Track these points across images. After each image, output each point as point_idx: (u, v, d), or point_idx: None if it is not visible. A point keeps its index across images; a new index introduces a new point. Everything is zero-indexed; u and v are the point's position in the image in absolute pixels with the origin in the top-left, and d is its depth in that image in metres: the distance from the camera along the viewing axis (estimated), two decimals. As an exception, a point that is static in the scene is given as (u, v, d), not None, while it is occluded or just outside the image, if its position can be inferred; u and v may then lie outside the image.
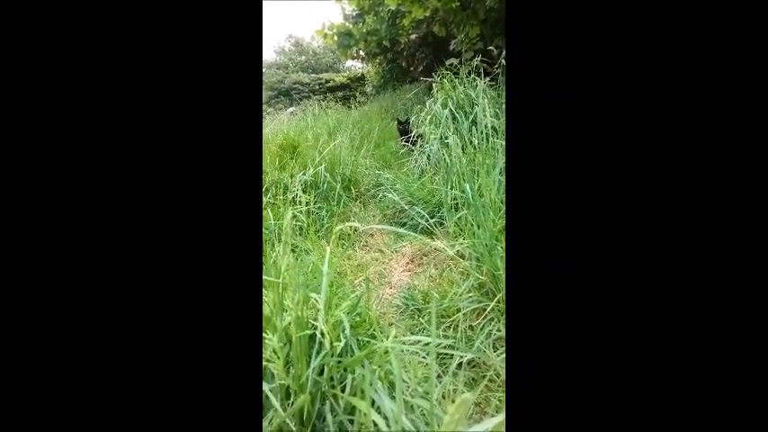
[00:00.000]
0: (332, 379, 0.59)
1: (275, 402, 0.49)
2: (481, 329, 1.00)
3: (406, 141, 2.88)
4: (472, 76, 2.44)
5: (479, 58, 2.55)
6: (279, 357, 0.50)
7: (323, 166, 2.10)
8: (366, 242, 1.81)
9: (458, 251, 1.35)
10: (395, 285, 1.41)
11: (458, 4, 3.89)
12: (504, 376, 0.82)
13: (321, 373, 0.58)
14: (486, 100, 1.97)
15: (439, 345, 0.91)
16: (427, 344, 0.89)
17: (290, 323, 0.55)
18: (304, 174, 2.03)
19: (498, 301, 1.04)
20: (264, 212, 1.65)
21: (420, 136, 2.60)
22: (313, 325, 0.57)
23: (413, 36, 5.81)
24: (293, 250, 1.56)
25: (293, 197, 1.83)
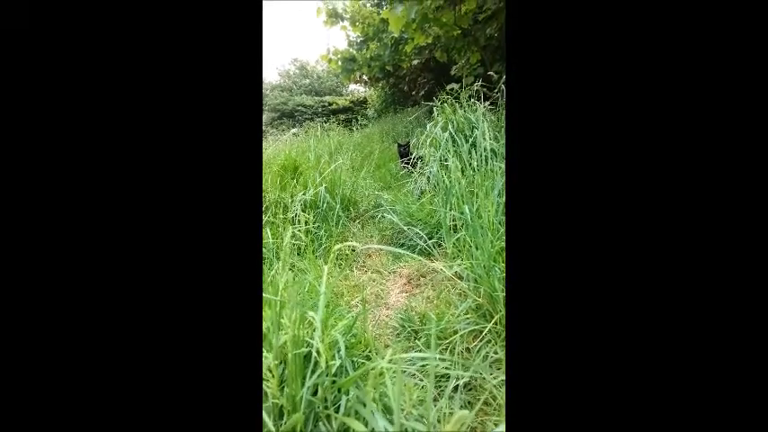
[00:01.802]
0: (325, 400, 0.58)
1: (269, 422, 0.48)
2: (478, 351, 0.98)
3: (406, 163, 2.91)
4: (472, 100, 2.49)
5: (479, 83, 2.61)
6: (273, 376, 0.49)
7: (323, 186, 2.11)
8: (364, 263, 1.81)
9: (456, 272, 1.35)
10: (392, 306, 1.40)
11: (459, 31, 4.01)
12: (500, 400, 0.81)
13: (315, 393, 0.57)
14: (485, 123, 2.00)
15: (436, 366, 0.90)
16: (424, 365, 0.88)
17: (285, 342, 0.54)
18: (304, 194, 2.04)
19: (496, 323, 1.03)
20: (263, 231, 1.66)
21: (420, 158, 2.63)
22: (309, 344, 0.57)
23: (415, 62, 5.95)
24: (290, 269, 1.55)
25: (293, 216, 1.84)
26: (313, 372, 0.55)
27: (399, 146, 3.27)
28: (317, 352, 0.54)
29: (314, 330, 0.56)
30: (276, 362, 0.50)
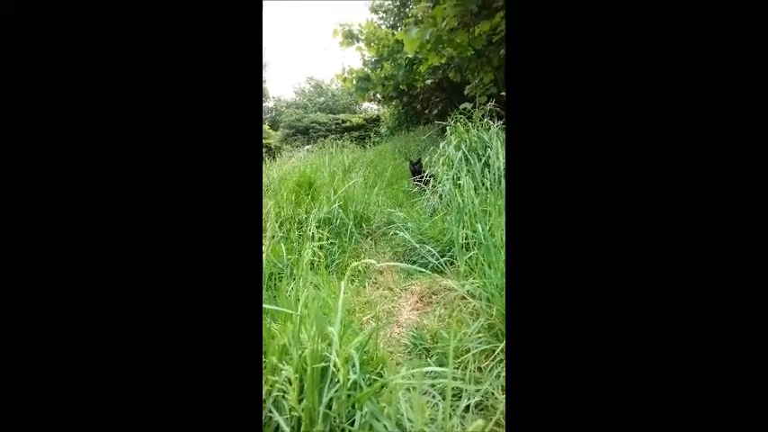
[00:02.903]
0: (339, 414, 0.59)
1: None
2: (490, 371, 0.98)
3: (419, 181, 2.94)
4: (485, 120, 2.52)
5: (492, 103, 2.64)
6: (294, 389, 0.50)
7: (337, 204, 2.14)
8: (376, 279, 1.82)
9: (468, 291, 1.35)
10: (403, 324, 1.41)
11: (472, 52, 4.07)
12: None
13: (330, 407, 0.58)
14: (498, 143, 2.02)
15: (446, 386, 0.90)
16: (434, 385, 0.88)
17: (305, 355, 0.55)
18: (318, 211, 2.08)
19: (508, 344, 1.03)
20: (278, 246, 1.68)
21: (432, 176, 2.66)
22: (326, 358, 0.58)
23: (429, 81, 6.04)
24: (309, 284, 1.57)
25: (310, 233, 1.86)
26: (330, 387, 0.56)
27: (411, 164, 3.30)
28: (335, 366, 0.55)
29: (329, 345, 0.58)
30: (296, 375, 0.52)
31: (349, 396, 0.56)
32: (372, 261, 0.81)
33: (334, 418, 0.54)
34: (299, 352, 0.55)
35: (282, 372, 0.52)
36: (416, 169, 3.19)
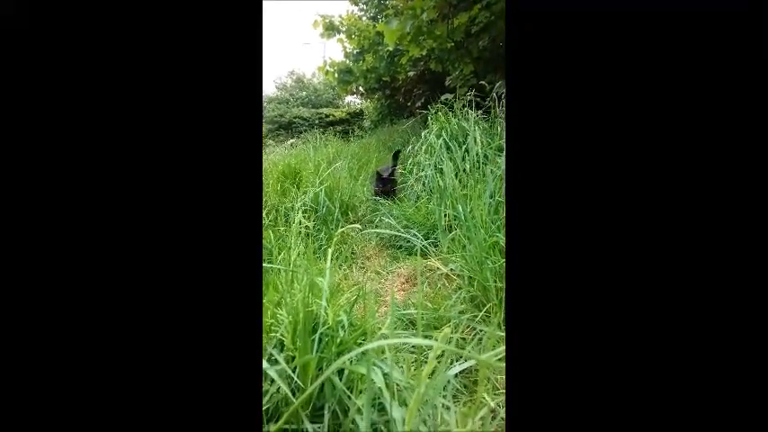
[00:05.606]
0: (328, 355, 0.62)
1: (281, 361, 0.52)
2: (472, 339, 1.04)
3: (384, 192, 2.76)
4: (465, 109, 2.58)
5: (472, 93, 2.71)
6: (288, 331, 0.55)
7: (322, 189, 2.18)
8: (363, 264, 1.87)
9: (452, 269, 1.41)
10: (390, 303, 1.46)
11: (452, 44, 4.13)
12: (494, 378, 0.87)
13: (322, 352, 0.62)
14: (477, 130, 2.09)
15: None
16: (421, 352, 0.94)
17: (298, 302, 0.59)
18: (304, 196, 2.12)
19: (488, 312, 1.09)
20: (265, 233, 1.72)
21: (417, 164, 2.71)
22: (317, 304, 0.62)
23: (411, 73, 6.08)
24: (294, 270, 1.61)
25: (297, 220, 1.90)
26: (320, 341, 0.60)
27: (378, 175, 2.80)
28: (325, 311, 0.60)
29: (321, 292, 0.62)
30: (290, 318, 0.56)
31: (339, 343, 0.60)
32: (357, 226, 0.86)
33: (324, 354, 0.58)
34: (292, 299, 0.59)
35: (279, 316, 0.57)
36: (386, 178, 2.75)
